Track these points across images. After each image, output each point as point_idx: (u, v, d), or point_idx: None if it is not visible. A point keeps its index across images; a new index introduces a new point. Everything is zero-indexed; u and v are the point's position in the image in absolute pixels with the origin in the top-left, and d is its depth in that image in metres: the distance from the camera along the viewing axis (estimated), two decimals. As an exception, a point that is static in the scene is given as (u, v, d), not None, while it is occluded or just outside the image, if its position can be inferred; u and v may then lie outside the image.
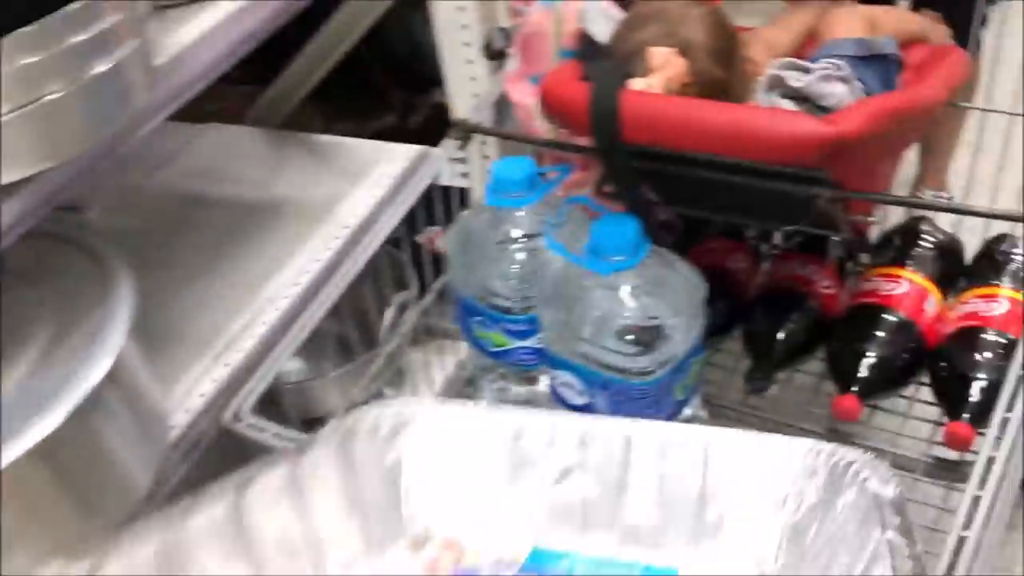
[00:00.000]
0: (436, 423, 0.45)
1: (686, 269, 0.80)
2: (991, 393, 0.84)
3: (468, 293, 0.87)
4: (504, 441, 0.45)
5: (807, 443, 0.40)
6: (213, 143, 1.25)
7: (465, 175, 1.16)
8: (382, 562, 0.42)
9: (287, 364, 1.23)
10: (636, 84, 0.72)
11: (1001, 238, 0.97)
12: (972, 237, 1.01)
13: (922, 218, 1.00)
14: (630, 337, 0.76)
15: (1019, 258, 0.93)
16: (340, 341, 1.20)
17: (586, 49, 0.77)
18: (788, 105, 0.70)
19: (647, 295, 0.76)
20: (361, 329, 1.13)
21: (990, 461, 0.56)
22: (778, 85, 0.71)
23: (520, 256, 0.83)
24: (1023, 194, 1.00)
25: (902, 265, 0.94)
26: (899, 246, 0.97)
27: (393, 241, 1.04)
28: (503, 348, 0.88)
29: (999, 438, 0.56)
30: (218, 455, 0.83)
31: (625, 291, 0.76)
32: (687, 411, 0.83)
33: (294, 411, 1.07)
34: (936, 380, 0.89)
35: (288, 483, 0.43)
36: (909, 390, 0.92)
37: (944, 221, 1.03)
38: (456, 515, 0.44)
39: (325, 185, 1.14)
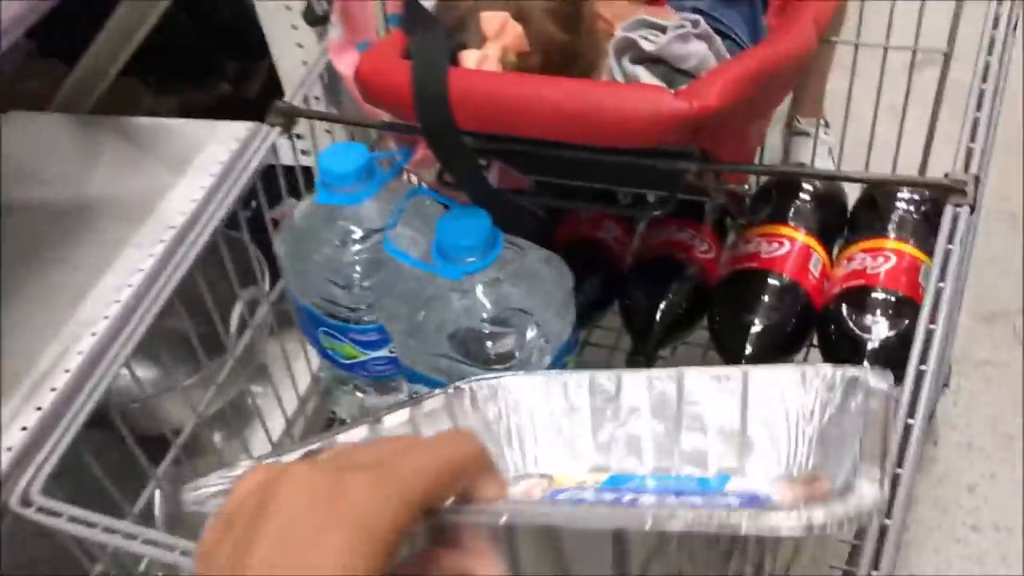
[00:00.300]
0: (524, 385, 0.53)
1: (549, 259, 0.71)
2: (883, 357, 0.79)
3: (308, 302, 0.76)
4: (581, 394, 0.52)
5: (826, 367, 0.48)
6: (14, 136, 1.09)
7: (306, 153, 1.04)
8: None
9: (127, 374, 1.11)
10: (468, 58, 0.62)
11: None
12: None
13: (801, 165, 0.94)
14: (490, 344, 0.67)
15: (902, 204, 0.87)
16: (195, 342, 1.07)
17: (412, 15, 0.66)
18: (642, 72, 0.60)
19: (506, 297, 0.67)
20: (214, 329, 1.01)
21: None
22: (630, 49, 0.61)
23: (363, 258, 0.73)
24: (903, 113, 0.94)
25: (783, 222, 0.87)
26: (778, 199, 0.89)
27: (249, 221, 0.92)
28: (355, 360, 0.78)
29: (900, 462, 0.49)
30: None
31: (480, 295, 0.66)
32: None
33: (139, 428, 0.96)
34: (826, 345, 0.83)
35: (409, 423, 0.51)
36: (800, 355, 0.86)
37: (824, 166, 0.97)
38: (548, 457, 0.52)
39: (145, 177, 1.00)
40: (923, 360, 0.53)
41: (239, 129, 1.04)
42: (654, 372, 0.52)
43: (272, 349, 0.99)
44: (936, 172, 0.97)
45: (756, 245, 0.85)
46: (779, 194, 0.91)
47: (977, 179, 0.60)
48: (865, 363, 0.77)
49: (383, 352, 0.76)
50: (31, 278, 0.91)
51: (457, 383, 0.53)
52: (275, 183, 0.88)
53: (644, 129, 0.55)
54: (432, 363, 0.68)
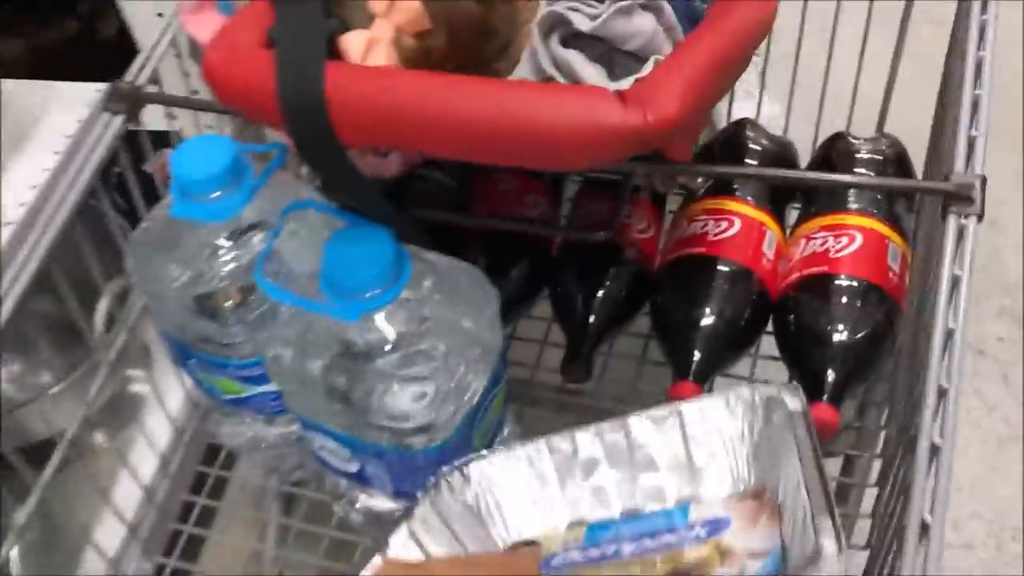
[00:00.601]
0: (492, 465, 0.58)
1: (466, 272, 0.58)
2: (848, 353, 0.69)
3: (173, 331, 0.63)
4: (544, 460, 0.58)
5: (746, 389, 0.55)
6: None
7: (173, 117, 0.87)
8: None
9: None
10: (352, 43, 0.47)
11: (839, 137, 0.80)
12: (803, 134, 0.85)
13: (745, 121, 0.82)
14: (397, 389, 0.55)
15: (861, 169, 0.76)
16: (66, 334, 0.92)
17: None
18: (576, 58, 0.47)
19: (419, 333, 0.54)
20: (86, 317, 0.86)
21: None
22: (559, 25, 0.48)
23: (233, 283, 0.59)
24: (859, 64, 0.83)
25: (729, 194, 0.75)
26: (722, 163, 0.78)
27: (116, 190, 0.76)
28: (238, 395, 0.65)
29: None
30: None
31: (385, 336, 0.54)
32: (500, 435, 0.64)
33: (9, 441, 0.83)
34: (784, 338, 0.72)
35: (408, 539, 0.55)
36: (752, 347, 0.76)
37: (770, 120, 0.85)
38: (528, 524, 0.58)
39: (-26, 157, 0.83)
40: (936, 430, 0.43)
41: (89, 92, 0.87)
42: (603, 426, 0.58)
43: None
44: (893, 124, 0.88)
45: (702, 224, 0.74)
46: (723, 157, 0.79)
47: (983, 180, 0.49)
48: (786, 383, 0.71)
49: (271, 387, 0.63)
50: None
51: (432, 480, 0.56)
52: (138, 146, 0.72)
53: (587, 153, 0.42)
54: (333, 417, 0.56)
